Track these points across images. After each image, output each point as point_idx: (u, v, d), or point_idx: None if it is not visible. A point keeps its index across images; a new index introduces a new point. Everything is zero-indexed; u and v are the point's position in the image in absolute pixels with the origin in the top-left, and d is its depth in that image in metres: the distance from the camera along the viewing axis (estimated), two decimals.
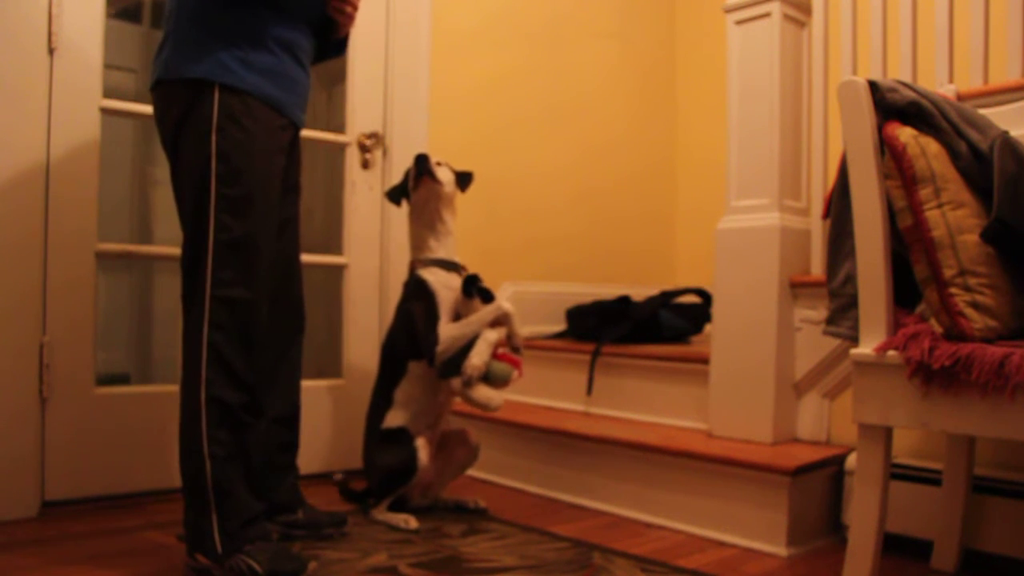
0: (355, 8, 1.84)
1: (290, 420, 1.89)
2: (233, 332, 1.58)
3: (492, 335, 1.98)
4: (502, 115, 3.03)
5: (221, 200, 1.57)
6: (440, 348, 1.97)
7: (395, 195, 2.22)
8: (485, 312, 2.01)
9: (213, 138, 1.57)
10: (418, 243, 2.13)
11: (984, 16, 1.85)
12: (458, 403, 2.12)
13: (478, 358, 1.94)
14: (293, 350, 1.88)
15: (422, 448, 2.00)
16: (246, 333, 1.61)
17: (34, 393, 2.02)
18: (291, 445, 1.90)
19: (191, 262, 1.61)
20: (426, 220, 2.12)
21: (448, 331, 1.98)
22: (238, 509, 1.57)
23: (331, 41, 1.88)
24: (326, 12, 1.79)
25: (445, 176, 2.13)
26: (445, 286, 2.04)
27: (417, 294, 2.05)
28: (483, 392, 1.96)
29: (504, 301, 2.04)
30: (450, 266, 2.10)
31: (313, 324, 1.97)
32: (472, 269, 2.13)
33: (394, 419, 2.05)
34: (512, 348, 2.03)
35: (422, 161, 2.09)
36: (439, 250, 2.11)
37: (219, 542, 1.54)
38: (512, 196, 3.02)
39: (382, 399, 2.09)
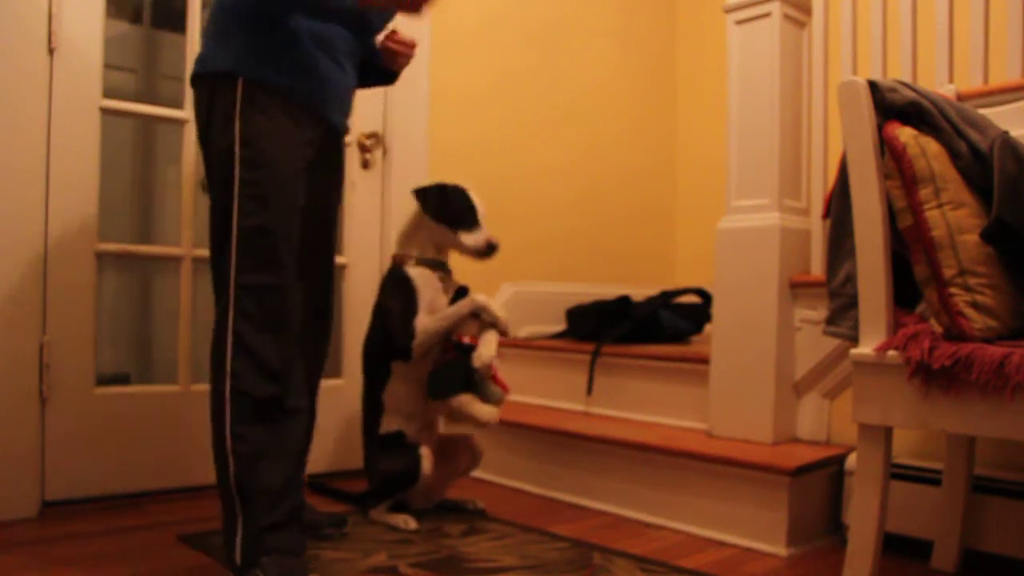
0: (409, 48, 1.92)
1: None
2: (260, 320, 1.53)
3: (495, 334, 1.96)
4: (502, 115, 3.03)
5: (245, 185, 1.55)
6: (416, 341, 1.95)
7: (442, 214, 2.09)
8: (460, 305, 1.98)
9: (236, 124, 1.55)
10: (411, 242, 2.09)
11: (984, 16, 1.85)
12: None
13: (487, 349, 1.91)
14: (315, 354, 1.85)
15: (426, 457, 1.98)
16: (275, 320, 1.54)
17: (34, 393, 2.01)
18: None
19: (218, 251, 1.58)
20: (437, 240, 2.09)
21: (424, 324, 1.96)
22: (258, 515, 1.49)
23: (381, 70, 1.93)
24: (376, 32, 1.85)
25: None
26: (427, 284, 2.02)
27: (398, 288, 2.02)
28: (481, 408, 1.94)
29: (478, 294, 1.99)
30: (436, 265, 2.07)
31: None
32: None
33: (389, 424, 2.03)
34: (500, 332, 1.99)
35: (491, 251, 2.05)
36: (428, 251, 2.07)
37: (240, 552, 1.47)
38: (512, 196, 3.02)
39: (373, 405, 2.06)
